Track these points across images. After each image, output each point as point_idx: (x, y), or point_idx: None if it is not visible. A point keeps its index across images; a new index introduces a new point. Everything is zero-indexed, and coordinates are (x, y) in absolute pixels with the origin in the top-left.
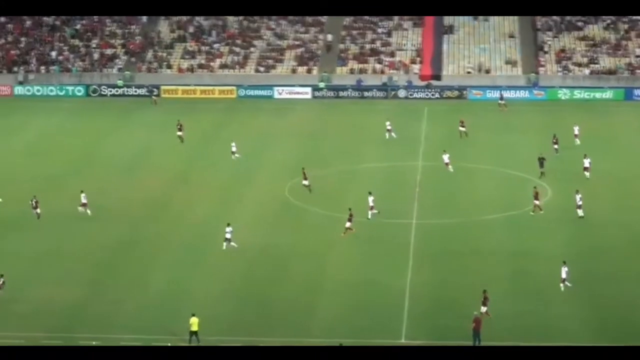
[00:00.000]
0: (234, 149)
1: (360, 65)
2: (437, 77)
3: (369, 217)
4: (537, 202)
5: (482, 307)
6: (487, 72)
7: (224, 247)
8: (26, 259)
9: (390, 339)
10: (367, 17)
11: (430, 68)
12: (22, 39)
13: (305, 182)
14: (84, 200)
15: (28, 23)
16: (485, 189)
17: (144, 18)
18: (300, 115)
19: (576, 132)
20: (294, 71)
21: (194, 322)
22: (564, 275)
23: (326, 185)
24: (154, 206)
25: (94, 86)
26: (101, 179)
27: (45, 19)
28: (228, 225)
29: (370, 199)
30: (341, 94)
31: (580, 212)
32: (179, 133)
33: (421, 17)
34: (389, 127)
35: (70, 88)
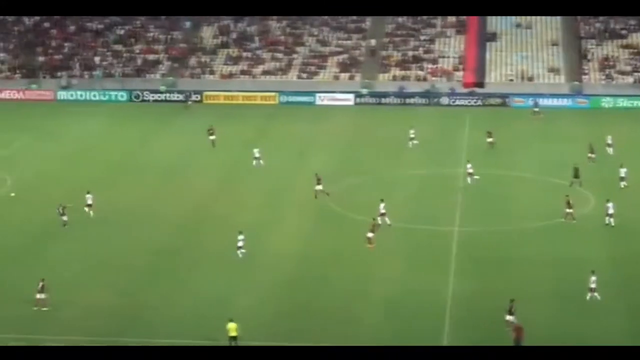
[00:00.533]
0: (257, 155)
1: (403, 72)
2: (480, 84)
3: (388, 223)
4: (569, 210)
5: (509, 316)
6: (530, 79)
7: (240, 256)
8: (69, 264)
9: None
10: (409, 24)
11: (472, 75)
12: (66, 44)
13: (319, 187)
14: (89, 202)
15: (71, 28)
16: (528, 197)
17: (187, 24)
18: (341, 121)
19: (609, 141)
20: (336, 78)
21: (232, 328)
22: (592, 285)
23: (367, 192)
24: (196, 212)
25: (137, 91)
26: (143, 184)
27: (88, 24)
28: (240, 233)
29: (382, 205)
30: (383, 100)
31: (610, 221)
32: (211, 137)
33: (464, 25)
34: (412, 135)
35: (112, 93)
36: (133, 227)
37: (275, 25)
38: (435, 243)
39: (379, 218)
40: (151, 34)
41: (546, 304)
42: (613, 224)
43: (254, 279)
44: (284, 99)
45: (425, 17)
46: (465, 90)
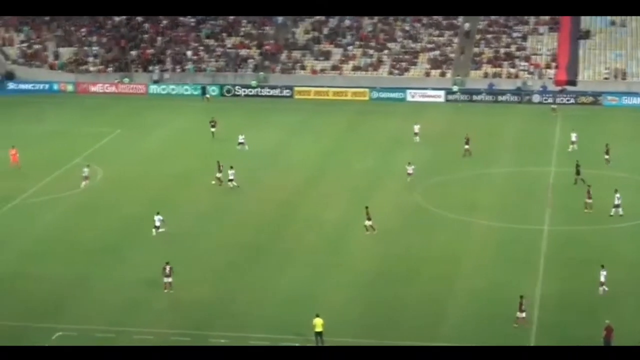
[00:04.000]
0: (241, 140)
1: (494, 69)
2: (572, 82)
3: (231, 185)
4: (589, 200)
5: (519, 313)
6: (624, 78)
7: (154, 234)
8: (157, 259)
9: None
10: (502, 21)
11: (565, 73)
12: (158, 38)
13: (218, 175)
14: (85, 174)
15: (164, 22)
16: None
17: (279, 19)
18: (432, 118)
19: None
20: (427, 74)
21: (318, 323)
22: (602, 279)
23: (457, 189)
24: (286, 207)
25: (228, 86)
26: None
27: (181, 18)
28: (157, 213)
29: (231, 172)
30: (474, 97)
31: (618, 211)
32: (212, 129)
33: (557, 22)
34: (416, 131)
35: (204, 88)
36: (222, 223)
37: (367, 21)
38: (524, 241)
39: (230, 183)
40: (243, 29)
41: (635, 304)
42: (622, 214)
43: (342, 275)
44: (375, 95)
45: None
46: (557, 88)
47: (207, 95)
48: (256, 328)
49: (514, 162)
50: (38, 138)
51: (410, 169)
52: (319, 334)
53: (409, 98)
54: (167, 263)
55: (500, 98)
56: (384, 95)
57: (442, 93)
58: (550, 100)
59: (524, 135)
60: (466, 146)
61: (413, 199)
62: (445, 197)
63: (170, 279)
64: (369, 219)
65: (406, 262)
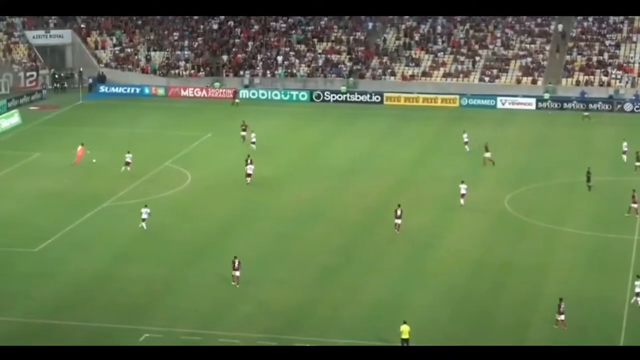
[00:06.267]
0: (253, 139)
1: (586, 77)
2: None
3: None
4: (634, 205)
5: (559, 316)
6: None
7: (140, 226)
8: (250, 260)
9: None
10: (595, 29)
11: None
12: (249, 43)
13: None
14: (128, 160)
15: (255, 27)
16: None
17: (370, 25)
18: (523, 126)
19: (624, 148)
20: (518, 81)
21: (405, 330)
22: (638, 289)
23: (547, 197)
24: (373, 212)
25: (318, 91)
26: (321, 184)
27: (273, 24)
28: (145, 206)
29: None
30: (565, 105)
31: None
32: (243, 133)
33: None
34: (466, 140)
35: (294, 93)
36: (309, 226)
37: (459, 27)
38: (613, 251)
39: (247, 179)
40: (334, 35)
41: None
42: None
43: (429, 281)
44: (465, 101)
45: (611, 22)
46: None
47: (237, 100)
48: (342, 333)
49: (604, 170)
50: (129, 141)
51: (463, 189)
52: (405, 340)
53: (499, 105)
54: (236, 257)
55: (591, 106)
56: (473, 102)
57: (532, 100)
58: None
59: (615, 144)
60: (486, 154)
61: (502, 206)
62: (534, 205)
63: (238, 273)
64: (399, 217)
65: (494, 268)
